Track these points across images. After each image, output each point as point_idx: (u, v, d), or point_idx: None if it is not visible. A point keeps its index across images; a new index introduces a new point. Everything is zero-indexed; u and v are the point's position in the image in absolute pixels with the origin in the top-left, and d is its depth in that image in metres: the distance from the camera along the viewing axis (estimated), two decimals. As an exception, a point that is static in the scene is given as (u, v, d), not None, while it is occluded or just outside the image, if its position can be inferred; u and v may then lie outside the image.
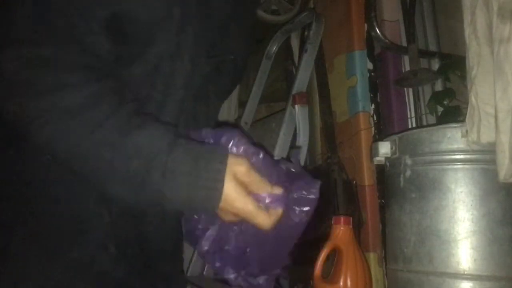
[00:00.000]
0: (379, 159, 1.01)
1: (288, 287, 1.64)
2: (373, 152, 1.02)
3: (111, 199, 0.83)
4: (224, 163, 0.72)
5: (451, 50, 1.38)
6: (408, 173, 0.94)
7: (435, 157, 0.91)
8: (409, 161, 0.94)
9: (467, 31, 0.81)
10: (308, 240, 1.55)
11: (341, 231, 1.19)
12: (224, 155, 0.72)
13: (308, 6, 1.89)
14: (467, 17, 0.81)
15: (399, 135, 0.98)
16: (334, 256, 1.21)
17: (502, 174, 0.77)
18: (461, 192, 0.87)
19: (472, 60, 0.81)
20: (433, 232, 0.88)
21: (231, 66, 1.01)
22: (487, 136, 0.81)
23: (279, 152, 1.49)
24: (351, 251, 1.18)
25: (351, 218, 1.21)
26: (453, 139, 0.89)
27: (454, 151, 0.89)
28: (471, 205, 0.86)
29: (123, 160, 0.72)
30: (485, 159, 0.87)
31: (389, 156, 0.99)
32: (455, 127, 0.90)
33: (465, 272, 0.85)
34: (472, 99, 0.81)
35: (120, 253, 0.86)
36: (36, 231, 0.83)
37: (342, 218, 1.20)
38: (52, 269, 0.82)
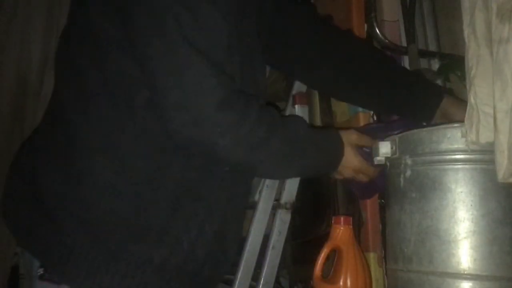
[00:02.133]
0: (380, 159, 1.02)
1: (288, 287, 1.64)
2: (374, 152, 1.03)
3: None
4: (339, 138, 1.08)
5: (451, 50, 1.39)
6: (409, 173, 0.94)
7: (435, 157, 0.91)
8: (409, 161, 0.94)
9: (466, 32, 0.81)
10: (308, 240, 1.56)
11: (341, 231, 1.19)
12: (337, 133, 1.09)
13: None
14: (466, 18, 0.81)
15: (399, 135, 0.98)
16: (334, 256, 1.21)
17: (501, 174, 0.77)
18: (461, 192, 0.88)
19: (471, 60, 0.81)
20: (434, 232, 0.89)
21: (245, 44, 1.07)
22: (486, 136, 0.81)
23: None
24: (351, 251, 1.18)
25: (351, 218, 1.21)
26: (453, 139, 0.89)
27: (454, 151, 0.89)
28: (471, 205, 0.87)
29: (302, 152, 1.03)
30: (485, 159, 0.87)
31: (389, 156, 1.00)
32: (455, 127, 0.90)
33: (465, 272, 0.85)
34: (471, 99, 0.81)
35: (179, 242, 0.97)
36: (98, 232, 0.92)
37: (342, 218, 1.20)
38: (116, 266, 0.91)
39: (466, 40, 0.81)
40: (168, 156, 0.96)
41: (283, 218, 1.40)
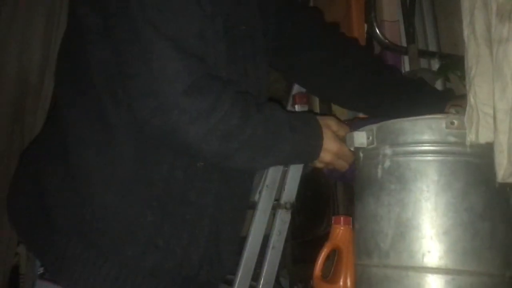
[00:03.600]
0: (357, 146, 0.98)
1: (288, 287, 1.64)
2: (348, 142, 0.99)
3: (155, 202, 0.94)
4: (317, 121, 1.02)
5: (451, 50, 1.39)
6: (388, 163, 0.90)
7: (418, 148, 0.88)
8: (388, 151, 0.90)
9: (466, 32, 0.81)
10: (308, 240, 1.56)
11: (341, 231, 1.19)
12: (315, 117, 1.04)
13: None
14: (466, 18, 0.80)
15: (377, 124, 0.94)
16: (334, 256, 1.21)
17: (501, 174, 0.77)
18: (444, 184, 0.85)
19: (470, 60, 0.80)
20: (414, 225, 0.85)
21: (246, 38, 1.05)
22: (485, 136, 0.80)
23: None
24: (351, 251, 1.18)
25: (351, 218, 1.21)
26: (437, 130, 0.87)
27: (438, 143, 0.87)
28: (454, 198, 0.84)
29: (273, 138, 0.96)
30: (468, 152, 0.85)
31: (365, 146, 0.95)
32: (439, 118, 0.88)
33: (447, 267, 0.83)
34: (471, 99, 0.81)
35: (170, 247, 0.95)
36: (90, 236, 0.92)
37: (342, 218, 1.20)
38: (108, 268, 0.91)
39: (466, 40, 0.81)
40: (154, 153, 0.94)
41: (283, 218, 1.40)
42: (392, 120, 0.92)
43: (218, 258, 1.04)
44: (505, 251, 0.85)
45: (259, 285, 1.35)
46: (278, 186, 1.42)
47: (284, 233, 1.39)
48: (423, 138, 0.88)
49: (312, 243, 1.45)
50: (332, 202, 1.46)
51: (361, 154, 0.97)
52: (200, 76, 0.88)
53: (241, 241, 1.27)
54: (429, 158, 0.87)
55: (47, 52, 1.87)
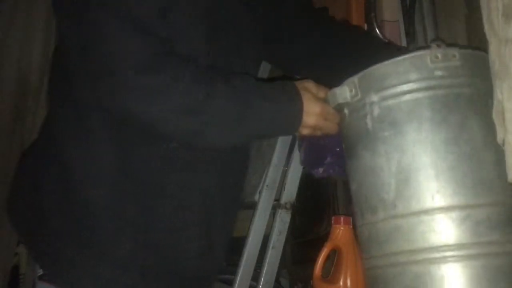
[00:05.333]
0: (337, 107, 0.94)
1: (288, 287, 1.64)
2: (331, 101, 0.93)
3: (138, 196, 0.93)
4: (294, 85, 0.95)
5: (451, 50, 1.38)
6: (377, 111, 0.86)
7: (406, 88, 0.83)
8: (375, 98, 0.86)
9: (486, 27, 0.78)
10: (308, 240, 1.56)
11: (341, 231, 1.19)
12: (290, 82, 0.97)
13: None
14: (484, 13, 0.79)
15: (358, 75, 0.89)
16: (334, 256, 1.21)
17: (511, 175, 0.75)
18: (439, 120, 0.81)
19: (493, 55, 0.78)
20: (417, 168, 0.81)
21: (229, 29, 1.03)
22: None
23: (279, 151, 1.49)
24: (351, 251, 1.18)
25: (351, 218, 1.21)
26: (423, 67, 0.83)
27: (425, 79, 0.83)
28: (452, 132, 0.81)
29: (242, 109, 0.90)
30: (460, 83, 0.83)
31: (348, 100, 0.90)
32: (422, 54, 0.84)
33: (461, 203, 0.78)
34: (498, 94, 0.77)
35: (160, 245, 0.94)
36: (83, 236, 0.92)
37: (342, 218, 1.20)
38: (101, 270, 0.91)
39: (487, 35, 0.79)
40: (132, 144, 0.93)
41: (283, 218, 1.40)
42: (373, 67, 0.87)
43: (210, 252, 1.02)
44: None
45: (259, 285, 1.35)
46: (278, 186, 1.42)
47: (284, 233, 1.39)
48: (409, 78, 0.84)
49: (312, 243, 1.45)
50: (332, 202, 1.46)
51: (346, 111, 0.92)
52: (155, 53, 0.85)
53: (238, 240, 1.26)
54: (419, 95, 0.83)
55: (47, 52, 1.87)
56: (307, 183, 1.49)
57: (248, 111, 0.90)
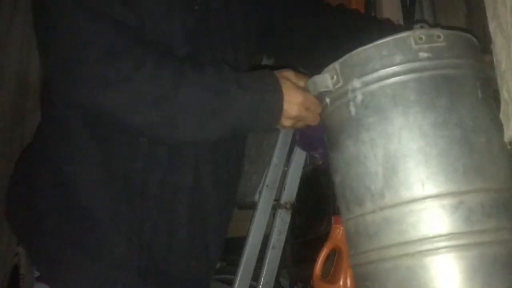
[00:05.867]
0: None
1: (288, 287, 1.64)
2: (311, 89, 0.89)
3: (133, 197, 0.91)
4: (273, 74, 0.90)
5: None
6: (360, 97, 0.81)
7: (390, 71, 0.79)
8: (358, 84, 0.81)
9: (492, 26, 0.77)
10: (308, 240, 1.56)
11: (341, 231, 1.19)
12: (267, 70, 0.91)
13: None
14: (490, 11, 0.77)
15: (338, 61, 0.85)
16: (334, 256, 1.21)
17: None
18: (427, 103, 0.77)
19: (499, 54, 0.76)
20: (405, 154, 0.76)
21: (220, 15, 1.00)
22: None
23: (279, 151, 1.49)
24: (351, 251, 1.18)
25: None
26: (407, 49, 0.80)
27: (410, 61, 0.79)
28: (440, 115, 0.76)
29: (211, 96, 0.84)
30: (446, 64, 0.79)
31: (330, 88, 0.85)
32: (405, 36, 0.80)
33: (452, 190, 0.74)
34: (504, 93, 0.76)
35: (154, 245, 0.93)
36: (78, 237, 0.92)
37: (344, 223, 1.20)
38: (96, 270, 0.91)
39: (492, 34, 0.77)
40: (112, 143, 0.91)
41: (283, 218, 1.40)
42: (354, 51, 0.83)
43: (205, 252, 1.02)
44: (506, 164, 0.78)
45: (259, 285, 1.35)
46: (278, 186, 1.42)
47: (284, 233, 1.39)
48: (393, 61, 0.80)
49: (312, 243, 1.45)
50: (332, 202, 1.45)
51: (327, 100, 0.88)
52: (118, 41, 0.82)
53: (229, 235, 1.24)
54: (404, 78, 0.79)
55: (47, 52, 1.87)
56: (307, 183, 1.49)
57: (224, 100, 0.84)
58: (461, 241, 0.74)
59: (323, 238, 1.21)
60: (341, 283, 1.16)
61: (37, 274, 0.96)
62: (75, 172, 0.92)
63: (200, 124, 0.85)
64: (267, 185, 1.40)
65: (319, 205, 1.51)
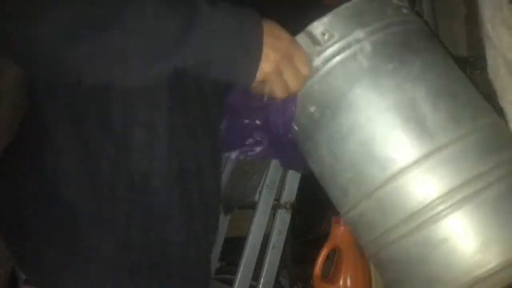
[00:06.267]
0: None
1: (288, 287, 1.64)
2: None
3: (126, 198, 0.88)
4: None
5: (451, 50, 1.38)
6: (368, 47, 0.77)
7: (388, 21, 0.80)
8: (362, 35, 0.78)
9: (490, 24, 0.79)
10: (308, 240, 1.56)
11: (341, 231, 1.19)
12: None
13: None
14: (488, 13, 0.79)
15: (328, 16, 0.80)
16: (334, 256, 1.21)
17: None
18: (432, 47, 0.84)
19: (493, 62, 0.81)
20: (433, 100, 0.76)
21: None
22: None
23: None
24: (351, 251, 1.18)
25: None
26: (393, 4, 0.83)
27: (400, 14, 0.83)
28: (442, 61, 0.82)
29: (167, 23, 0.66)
30: (419, 20, 0.85)
31: (320, 46, 0.80)
32: None
33: (434, 148, 0.74)
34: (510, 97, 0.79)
35: (145, 242, 0.90)
36: (66, 238, 0.89)
37: (342, 218, 1.20)
38: (86, 271, 0.88)
39: (490, 32, 0.79)
40: (95, 141, 0.86)
41: (283, 218, 1.40)
42: (342, 6, 0.79)
43: (204, 237, 0.99)
44: (470, 103, 0.78)
45: (259, 285, 1.35)
46: (278, 186, 1.42)
47: (284, 233, 1.39)
48: (386, 13, 0.80)
49: (312, 243, 1.45)
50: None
51: (315, 63, 0.79)
52: None
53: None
54: (404, 27, 0.81)
55: (47, 52, 1.87)
56: (308, 183, 1.49)
57: (193, 19, 0.65)
58: (459, 196, 0.72)
59: (323, 238, 1.22)
60: (341, 283, 1.16)
61: (23, 276, 0.95)
62: (56, 170, 0.89)
63: (159, 53, 0.68)
64: (267, 185, 1.40)
65: (319, 205, 1.51)
